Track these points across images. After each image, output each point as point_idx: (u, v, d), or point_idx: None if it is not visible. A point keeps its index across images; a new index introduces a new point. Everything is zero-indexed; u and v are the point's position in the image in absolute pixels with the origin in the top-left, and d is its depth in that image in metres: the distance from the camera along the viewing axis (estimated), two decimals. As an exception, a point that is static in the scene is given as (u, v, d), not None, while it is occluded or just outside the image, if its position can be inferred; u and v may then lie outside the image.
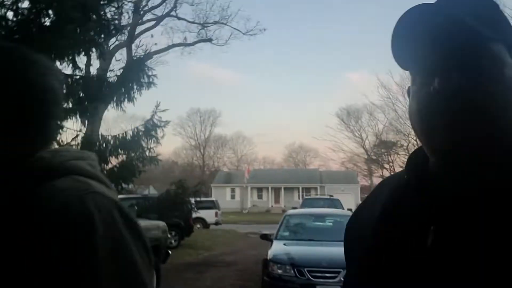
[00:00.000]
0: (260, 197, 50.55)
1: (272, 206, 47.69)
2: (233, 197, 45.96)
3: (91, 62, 8.29)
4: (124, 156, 8.92)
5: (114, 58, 9.03)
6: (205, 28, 23.18)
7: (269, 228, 23.79)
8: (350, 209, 13.14)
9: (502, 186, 0.61)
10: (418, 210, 0.68)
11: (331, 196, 22.71)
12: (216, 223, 20.76)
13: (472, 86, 0.61)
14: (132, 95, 9.56)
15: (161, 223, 6.93)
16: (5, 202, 0.67)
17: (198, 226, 15.43)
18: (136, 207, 6.00)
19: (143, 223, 5.83)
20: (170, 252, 6.94)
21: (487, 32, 0.61)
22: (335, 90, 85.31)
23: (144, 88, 9.75)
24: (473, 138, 0.61)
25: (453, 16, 0.62)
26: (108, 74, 9.09)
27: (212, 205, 20.50)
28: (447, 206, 0.64)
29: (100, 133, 8.89)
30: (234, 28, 24.11)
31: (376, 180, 58.28)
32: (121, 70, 9.51)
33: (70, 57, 7.13)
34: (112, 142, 8.94)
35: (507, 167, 0.62)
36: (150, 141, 9.28)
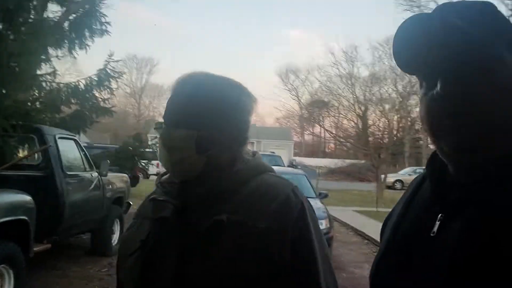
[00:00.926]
0: (198, 149, 50.68)
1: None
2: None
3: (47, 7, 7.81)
4: (77, 106, 8.75)
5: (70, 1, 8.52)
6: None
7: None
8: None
9: (503, 188, 0.63)
10: (432, 201, 0.71)
11: (273, 152, 23.34)
12: (157, 174, 20.87)
13: (471, 90, 0.62)
14: (84, 42, 9.24)
15: (124, 175, 7.10)
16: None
17: (141, 176, 15.52)
18: (108, 160, 6.10)
19: (109, 175, 6.00)
20: (131, 203, 7.19)
21: (483, 35, 0.62)
22: (274, 47, 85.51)
23: (97, 35, 9.44)
24: (475, 139, 0.63)
25: (449, 21, 0.63)
26: (60, 19, 8.61)
27: (154, 156, 20.45)
28: (457, 198, 0.66)
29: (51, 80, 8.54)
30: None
31: (308, 138, 60.80)
32: (74, 16, 9.07)
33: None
34: (64, 91, 8.70)
35: (508, 168, 0.64)
36: (104, 91, 9.14)
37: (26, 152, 5.06)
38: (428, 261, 0.65)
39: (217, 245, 0.85)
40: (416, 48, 0.66)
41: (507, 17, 0.68)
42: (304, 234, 0.87)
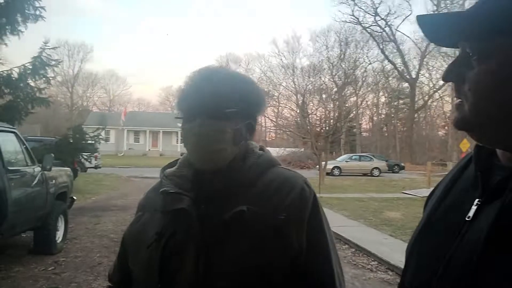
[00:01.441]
0: (137, 140, 49.22)
1: (149, 149, 47.00)
2: (107, 139, 43.79)
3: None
4: (10, 97, 8.18)
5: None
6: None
7: (150, 172, 23.82)
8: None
9: None
10: (473, 183, 0.70)
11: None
12: (96, 167, 20.03)
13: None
14: (16, 27, 8.62)
15: (68, 170, 6.76)
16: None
17: (78, 169, 14.82)
18: (52, 154, 5.77)
19: (53, 169, 5.71)
20: (75, 198, 6.88)
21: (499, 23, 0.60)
22: (215, 36, 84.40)
23: (30, 20, 8.84)
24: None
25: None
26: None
27: (93, 148, 19.57)
28: (496, 183, 0.65)
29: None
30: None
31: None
32: (3, -1, 8.40)
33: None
34: (-6, 80, 8.08)
35: None
36: (40, 81, 8.61)
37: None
38: (461, 245, 0.65)
39: (239, 234, 0.89)
40: (440, 16, 0.67)
41: None
42: (317, 223, 0.96)
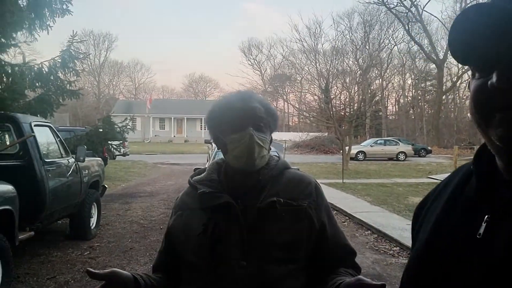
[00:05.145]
0: (162, 127, 50.10)
1: (174, 136, 47.78)
2: (134, 127, 44.71)
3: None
4: (42, 90, 8.51)
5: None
6: None
7: (176, 158, 24.21)
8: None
9: None
10: (478, 199, 0.69)
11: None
12: (124, 154, 20.59)
13: None
14: (45, 22, 8.91)
15: (99, 159, 7.08)
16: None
17: (107, 157, 15.31)
18: (85, 146, 6.06)
19: (85, 159, 6.00)
20: (106, 186, 7.21)
21: None
22: (232, 22, 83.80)
23: (58, 15, 9.12)
24: None
25: (510, 9, 0.61)
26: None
27: (122, 137, 20.11)
28: (505, 198, 0.64)
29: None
30: None
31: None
32: (32, -6, 8.68)
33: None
34: (27, 74, 8.41)
35: None
36: (69, 74, 8.91)
37: (8, 142, 4.99)
38: (475, 263, 0.63)
39: (273, 219, 1.13)
40: (474, 36, 0.64)
41: None
42: (330, 214, 1.27)
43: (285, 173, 1.26)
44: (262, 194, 1.16)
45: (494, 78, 0.61)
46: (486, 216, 0.65)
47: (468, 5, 0.75)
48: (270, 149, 1.26)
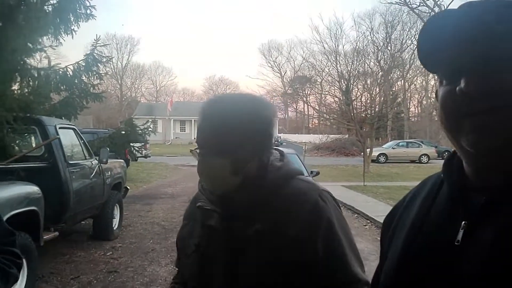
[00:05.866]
0: (183, 129, 50.65)
1: (194, 138, 47.84)
2: (155, 129, 45.36)
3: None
4: (66, 93, 8.70)
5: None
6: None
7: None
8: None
9: None
10: (451, 207, 0.69)
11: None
12: (145, 156, 20.87)
13: (497, 88, 0.59)
14: (70, 27, 9.11)
15: (121, 161, 7.20)
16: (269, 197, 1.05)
17: (129, 159, 15.55)
18: (108, 148, 6.17)
19: (108, 161, 6.10)
20: (129, 188, 7.31)
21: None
22: (258, 25, 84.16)
23: (82, 19, 9.31)
24: (498, 139, 0.60)
25: (478, 17, 0.61)
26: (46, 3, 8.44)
27: (143, 139, 20.39)
28: (479, 203, 0.63)
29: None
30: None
31: (291, 114, 61.13)
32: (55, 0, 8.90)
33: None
34: (52, 77, 8.61)
35: None
36: (92, 77, 9.09)
37: (33, 144, 5.11)
38: (454, 271, 0.63)
39: (258, 250, 1.01)
40: (442, 43, 0.64)
41: None
42: (332, 236, 1.02)
43: (285, 187, 1.06)
44: (253, 217, 1.03)
45: (462, 84, 0.61)
46: (463, 222, 0.65)
47: (437, 12, 0.74)
48: (243, 168, 1.04)
